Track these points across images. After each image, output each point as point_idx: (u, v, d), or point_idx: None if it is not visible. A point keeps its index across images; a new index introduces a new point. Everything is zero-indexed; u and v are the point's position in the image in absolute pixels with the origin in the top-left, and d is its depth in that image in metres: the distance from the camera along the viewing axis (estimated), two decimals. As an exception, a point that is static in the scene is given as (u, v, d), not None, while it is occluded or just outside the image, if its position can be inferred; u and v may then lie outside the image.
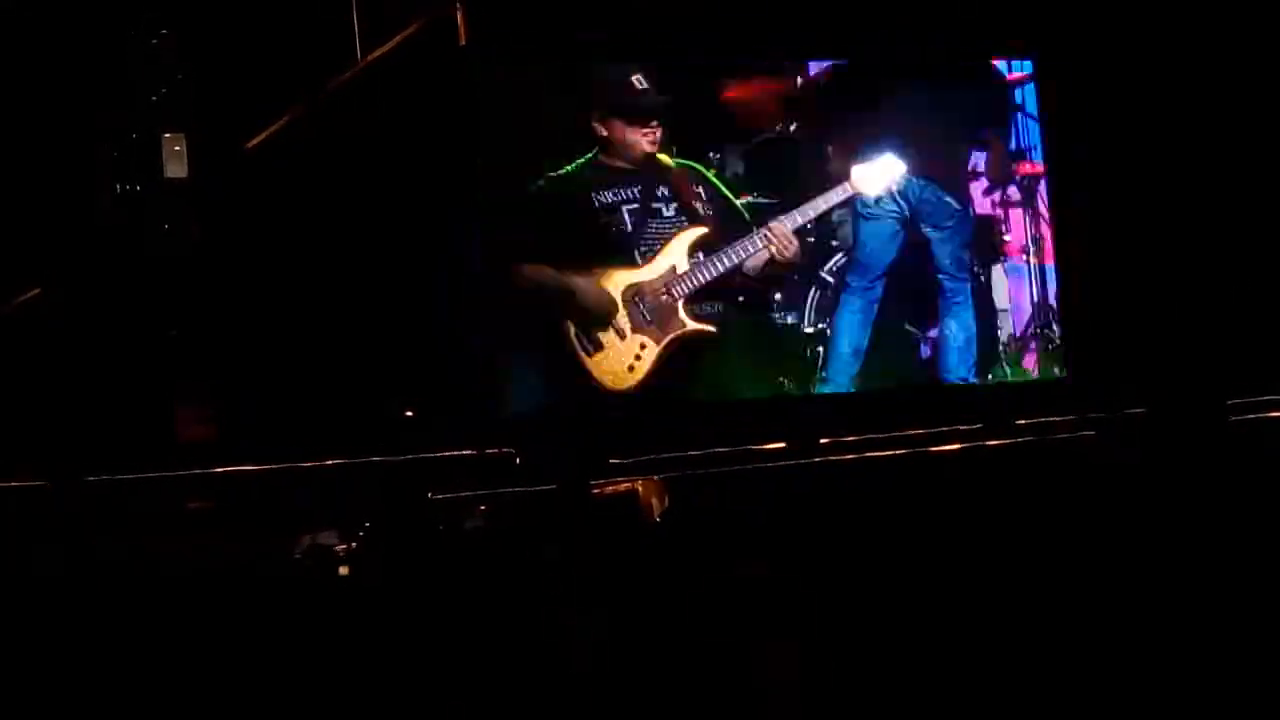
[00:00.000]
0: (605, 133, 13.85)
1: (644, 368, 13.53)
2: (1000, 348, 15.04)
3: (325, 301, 14.70)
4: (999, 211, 15.36)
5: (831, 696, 6.88)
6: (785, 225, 14.16)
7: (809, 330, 14.45)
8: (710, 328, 13.80)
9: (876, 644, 7.67)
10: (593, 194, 13.66)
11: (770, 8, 14.57)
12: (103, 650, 7.74)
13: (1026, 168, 15.51)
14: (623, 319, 13.49)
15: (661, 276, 13.70)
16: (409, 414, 13.40)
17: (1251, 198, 15.17)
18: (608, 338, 13.49)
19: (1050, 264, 15.47)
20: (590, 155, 13.80)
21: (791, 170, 14.71)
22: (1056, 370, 15.25)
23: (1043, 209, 15.43)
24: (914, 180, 14.93)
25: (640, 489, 15.66)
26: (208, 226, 17.76)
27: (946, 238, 15.14)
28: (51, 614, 7.65)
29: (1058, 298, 15.30)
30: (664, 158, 13.94)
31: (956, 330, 14.93)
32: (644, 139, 13.90)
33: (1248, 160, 15.23)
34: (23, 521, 13.21)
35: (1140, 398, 10.88)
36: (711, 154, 14.21)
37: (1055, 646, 7.70)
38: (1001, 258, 15.42)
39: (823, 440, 12.74)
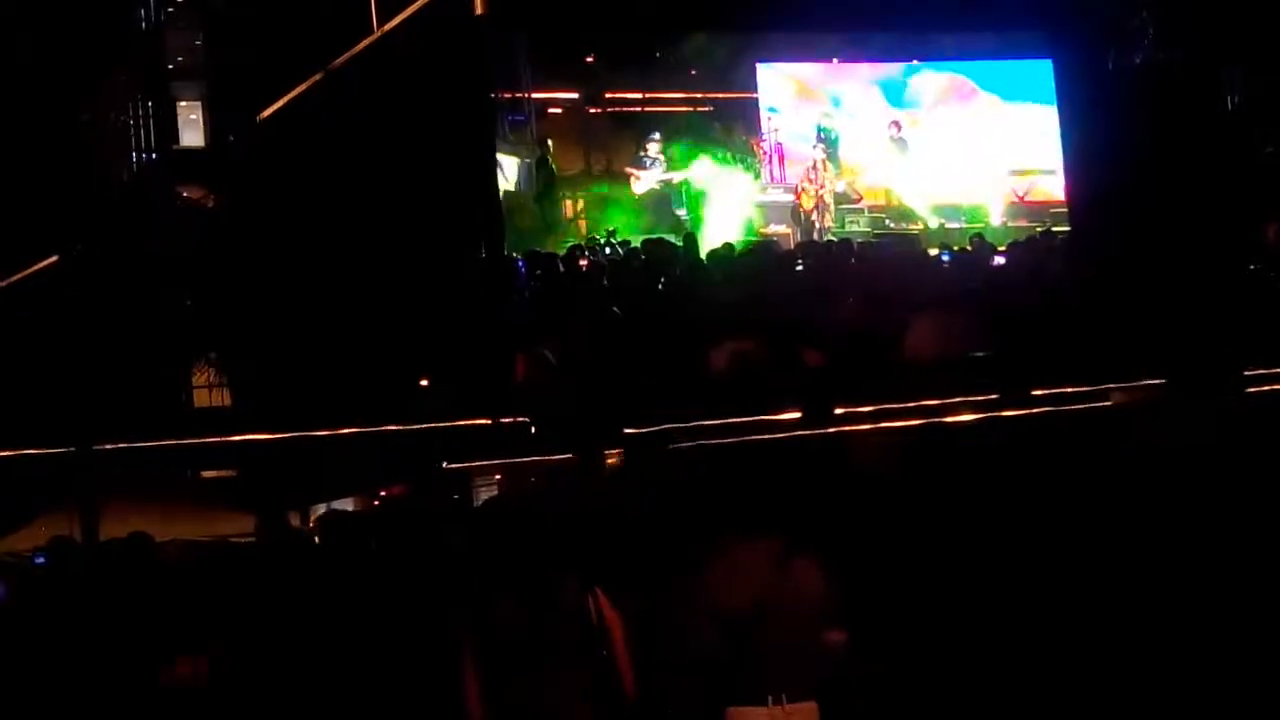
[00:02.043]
0: None
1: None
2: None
3: (340, 269, 14.71)
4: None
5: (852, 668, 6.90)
6: None
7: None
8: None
9: (889, 622, 7.67)
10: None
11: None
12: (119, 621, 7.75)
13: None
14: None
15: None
16: (423, 382, 13.39)
17: (1263, 179, 15.20)
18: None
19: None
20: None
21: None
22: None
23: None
24: None
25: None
26: (223, 194, 17.80)
27: None
28: (60, 587, 7.66)
29: (1074, 271, 15.31)
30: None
31: None
32: None
33: (1260, 142, 15.26)
34: (38, 489, 13.26)
35: (1158, 370, 10.84)
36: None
37: (1072, 618, 7.70)
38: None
39: (838, 410, 12.67)
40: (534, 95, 19.71)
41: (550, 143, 19.50)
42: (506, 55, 19.26)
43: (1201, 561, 7.62)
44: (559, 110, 20.55)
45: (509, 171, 19.25)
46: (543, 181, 19.08)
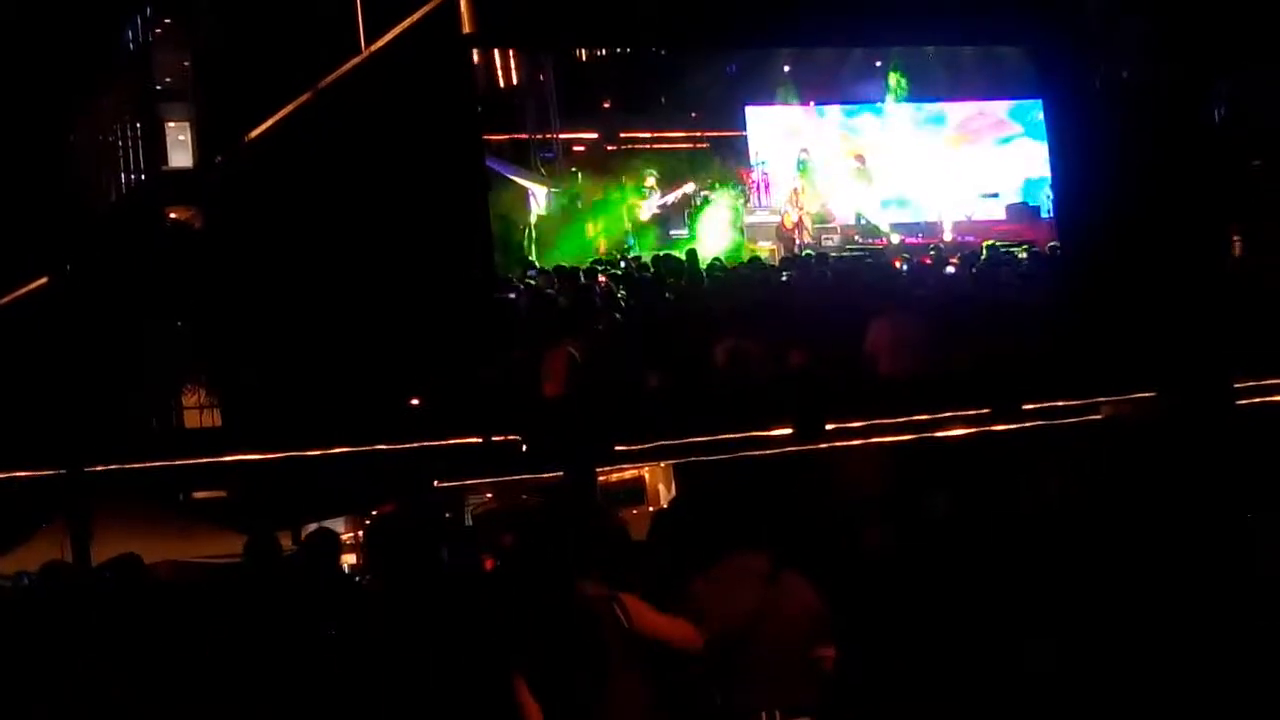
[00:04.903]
0: None
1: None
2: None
3: (329, 289, 14.69)
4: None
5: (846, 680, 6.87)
6: None
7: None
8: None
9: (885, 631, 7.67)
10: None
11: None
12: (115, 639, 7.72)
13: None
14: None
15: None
16: (414, 402, 13.37)
17: (1257, 194, 15.32)
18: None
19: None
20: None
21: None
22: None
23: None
24: None
25: (647, 476, 15.70)
26: (212, 215, 17.81)
27: None
28: (48, 609, 7.62)
29: (1069, 287, 15.43)
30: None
31: None
32: None
33: (1247, 155, 15.41)
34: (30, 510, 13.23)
35: (1150, 382, 10.87)
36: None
37: (1068, 629, 7.71)
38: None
39: (829, 425, 12.72)
40: (561, 135, 22.67)
41: (579, 174, 21.95)
42: (539, 103, 22.07)
43: (1195, 568, 7.64)
44: (582, 148, 23.42)
45: (539, 199, 22.10)
46: (568, 207, 21.55)
